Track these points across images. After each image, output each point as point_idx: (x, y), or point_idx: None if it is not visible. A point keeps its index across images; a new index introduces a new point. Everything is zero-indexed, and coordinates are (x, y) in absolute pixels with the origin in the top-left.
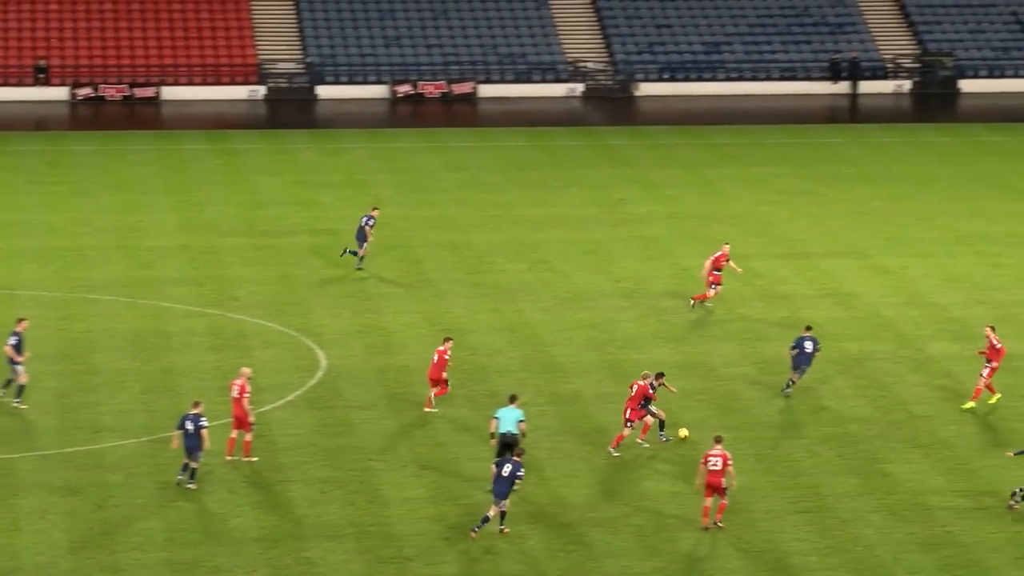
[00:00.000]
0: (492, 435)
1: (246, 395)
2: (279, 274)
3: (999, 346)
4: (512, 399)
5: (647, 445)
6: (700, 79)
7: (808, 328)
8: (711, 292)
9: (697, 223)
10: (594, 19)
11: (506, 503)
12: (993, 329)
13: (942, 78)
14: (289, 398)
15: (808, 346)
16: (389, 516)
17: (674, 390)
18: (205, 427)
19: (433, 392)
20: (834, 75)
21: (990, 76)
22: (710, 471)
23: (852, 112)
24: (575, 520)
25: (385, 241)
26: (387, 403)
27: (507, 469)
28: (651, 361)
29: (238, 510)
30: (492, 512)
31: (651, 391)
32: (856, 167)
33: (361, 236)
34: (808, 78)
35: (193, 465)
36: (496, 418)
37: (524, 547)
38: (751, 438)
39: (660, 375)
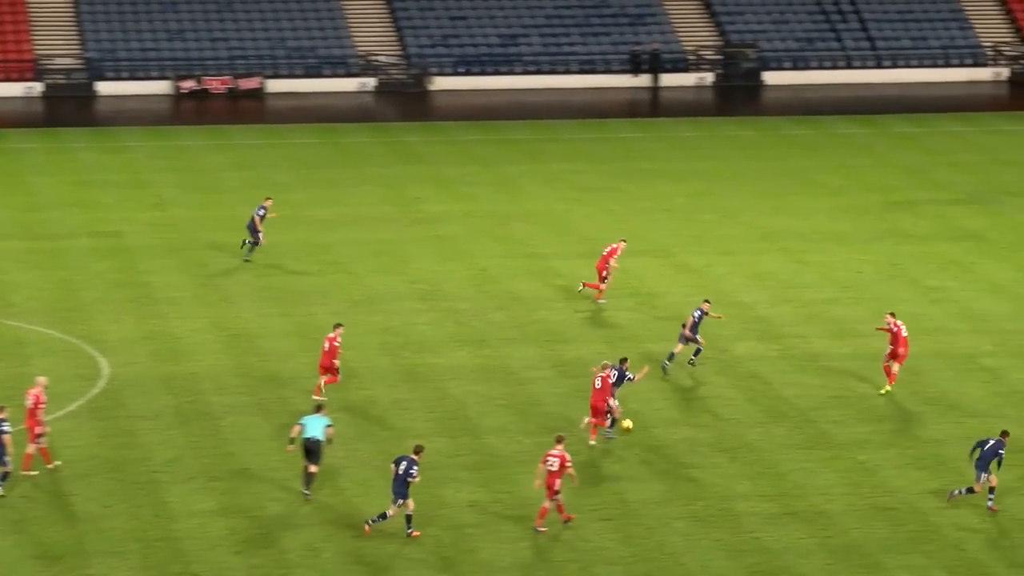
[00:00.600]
0: (292, 440)
1: (41, 406)
2: (58, 279)
3: (901, 333)
4: (318, 409)
5: (612, 437)
6: (496, 72)
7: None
8: (603, 285)
9: (495, 222)
10: (386, 11)
11: (407, 503)
12: (893, 315)
13: (745, 70)
14: (70, 408)
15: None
16: (176, 530)
17: (635, 377)
18: (7, 432)
19: (323, 380)
20: (635, 68)
21: (794, 68)
22: (548, 471)
23: (653, 106)
24: (372, 531)
25: (169, 244)
26: (173, 412)
27: (402, 467)
28: (449, 366)
29: (15, 527)
30: (391, 511)
31: (611, 381)
32: (658, 163)
33: (252, 227)
34: (608, 71)
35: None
36: (300, 424)
37: (318, 561)
38: (550, 444)
39: (623, 360)
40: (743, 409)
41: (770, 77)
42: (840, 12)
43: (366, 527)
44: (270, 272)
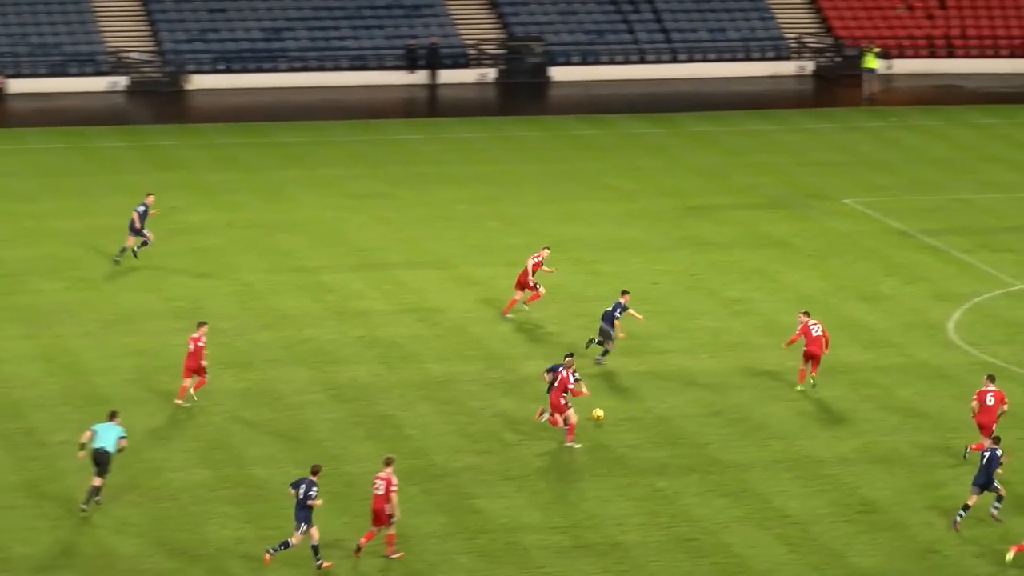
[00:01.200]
0: (82, 447)
1: None
2: None
3: (812, 332)
4: (112, 415)
5: (579, 446)
6: (260, 70)
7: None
8: (540, 291)
9: (260, 232)
10: (138, 4)
11: (311, 530)
12: (807, 315)
13: (530, 66)
14: None
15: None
16: None
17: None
18: None
19: (190, 384)
20: (411, 64)
21: (583, 63)
22: (374, 495)
23: (431, 105)
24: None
25: None
26: None
27: (301, 490)
28: (210, 390)
29: None
30: (294, 539)
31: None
32: (437, 167)
33: (132, 227)
34: (382, 67)
35: None
36: (92, 431)
37: None
38: (325, 474)
39: (569, 355)
40: (531, 433)
41: (557, 73)
42: (632, 2)
43: (266, 556)
44: (11, 289)
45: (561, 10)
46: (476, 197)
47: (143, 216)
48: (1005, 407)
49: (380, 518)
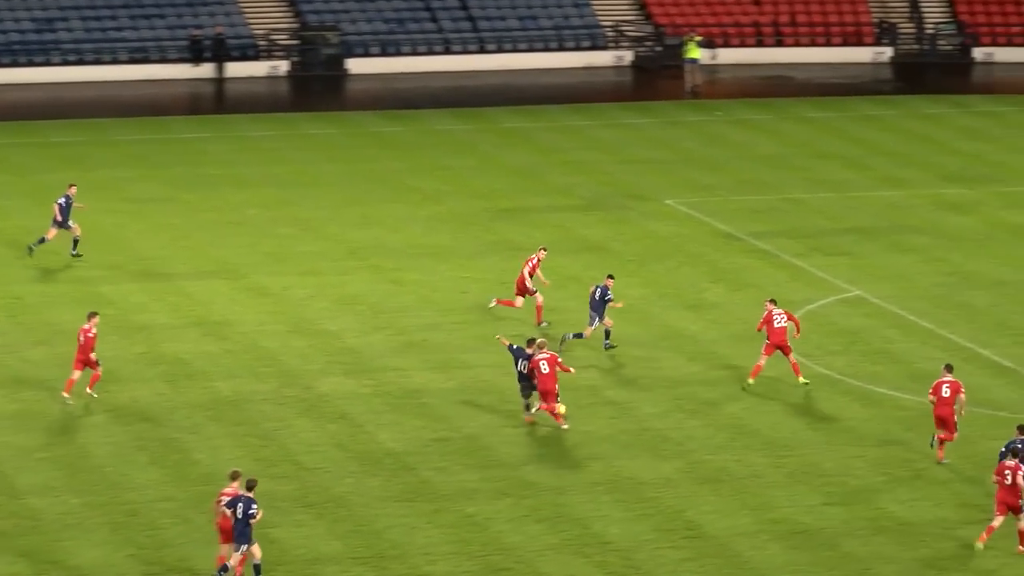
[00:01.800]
0: None
1: None
2: None
3: (774, 324)
4: None
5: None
6: (30, 64)
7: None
8: (518, 302)
9: (31, 240)
10: None
11: (253, 550)
12: (773, 302)
13: (325, 57)
14: None
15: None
16: None
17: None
18: None
19: (76, 376)
20: (195, 56)
21: (383, 54)
22: (221, 513)
23: (218, 100)
24: None
25: None
26: None
27: (240, 509)
28: None
29: None
30: (233, 561)
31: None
32: (225, 168)
33: (56, 220)
34: (164, 60)
35: None
36: None
37: None
38: (104, 503)
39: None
40: (330, 456)
41: (355, 65)
42: None
43: None
44: None
45: None
46: (268, 200)
47: (65, 208)
48: (962, 397)
49: (227, 536)
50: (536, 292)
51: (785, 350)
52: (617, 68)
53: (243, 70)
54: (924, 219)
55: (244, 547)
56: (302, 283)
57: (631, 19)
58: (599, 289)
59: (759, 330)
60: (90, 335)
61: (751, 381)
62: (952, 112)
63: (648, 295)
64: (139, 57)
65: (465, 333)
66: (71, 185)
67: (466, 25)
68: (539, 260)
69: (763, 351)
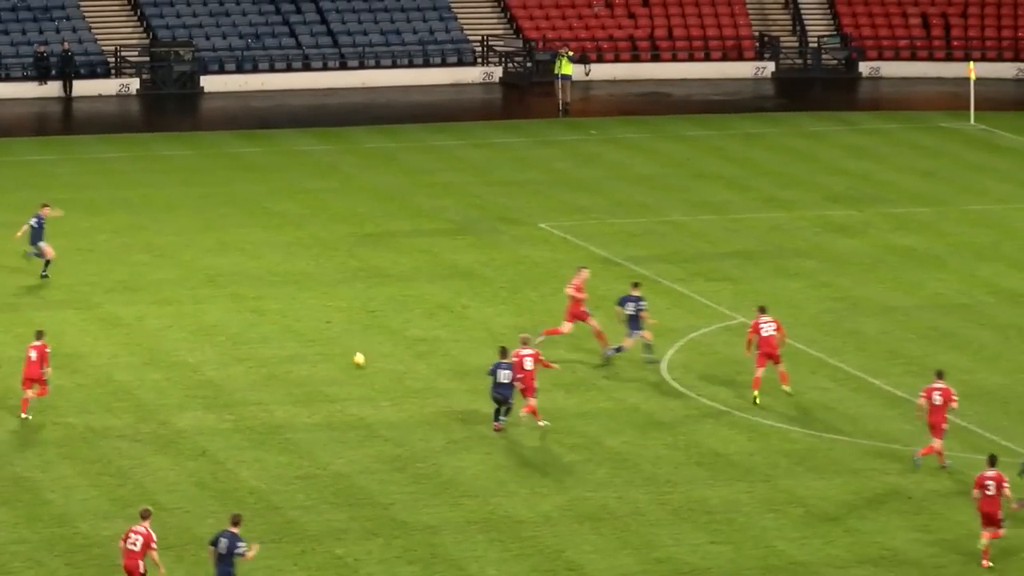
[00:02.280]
0: None
1: None
2: None
3: (762, 333)
4: None
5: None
6: None
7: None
8: (565, 327)
9: None
10: None
11: None
12: (762, 311)
13: (179, 74)
14: None
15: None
16: None
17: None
18: None
19: (31, 394)
20: (41, 73)
21: (239, 70)
22: (127, 550)
23: (66, 120)
24: None
25: None
26: None
27: (223, 544)
28: None
29: None
30: None
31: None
32: (72, 191)
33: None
34: (7, 78)
35: None
36: None
37: None
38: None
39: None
40: (190, 495)
41: (209, 82)
42: (294, 1)
43: None
44: None
45: (213, 11)
46: (119, 226)
47: (36, 229)
48: (955, 405)
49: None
50: (590, 317)
51: (775, 359)
52: (486, 85)
53: (92, 88)
54: (810, 242)
55: None
56: (157, 312)
57: (500, 33)
58: (630, 302)
59: (749, 341)
60: (46, 351)
61: (756, 393)
62: (837, 129)
63: (521, 324)
64: None
65: (330, 364)
66: (44, 205)
67: (326, 40)
68: (583, 280)
69: (756, 362)
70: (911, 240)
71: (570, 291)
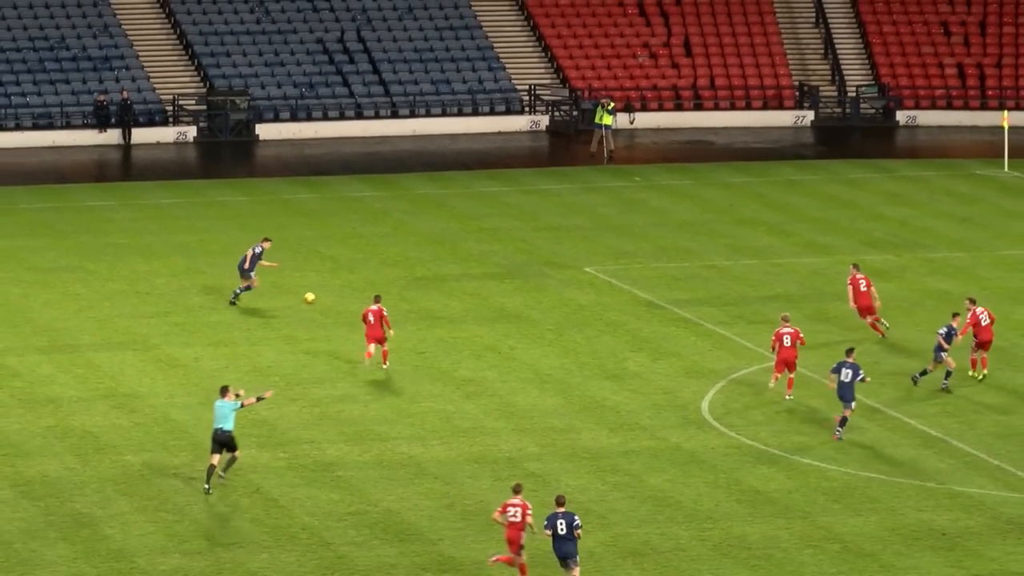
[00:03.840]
0: None
1: None
2: None
3: (787, 344)
4: (223, 391)
5: None
6: None
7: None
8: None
9: None
10: None
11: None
12: (786, 320)
13: (235, 122)
14: None
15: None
16: None
17: None
18: None
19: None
20: (101, 122)
21: (293, 119)
22: (510, 522)
23: (125, 167)
24: None
25: None
26: None
27: (562, 524)
28: None
29: None
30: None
31: None
32: (132, 236)
33: (242, 268)
34: (68, 126)
35: None
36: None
37: None
38: None
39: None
40: (244, 531)
41: (265, 130)
42: (347, 51)
43: None
44: None
45: (268, 60)
46: (176, 269)
47: (255, 259)
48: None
49: (515, 545)
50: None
51: (791, 367)
52: (533, 133)
53: (150, 136)
54: (847, 287)
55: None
56: (213, 354)
57: (547, 83)
58: (944, 330)
59: (772, 349)
60: None
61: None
62: (875, 176)
63: (567, 365)
64: (43, 123)
65: (380, 404)
66: (266, 239)
67: (378, 89)
68: (865, 279)
69: (774, 368)
70: (947, 284)
71: (856, 287)
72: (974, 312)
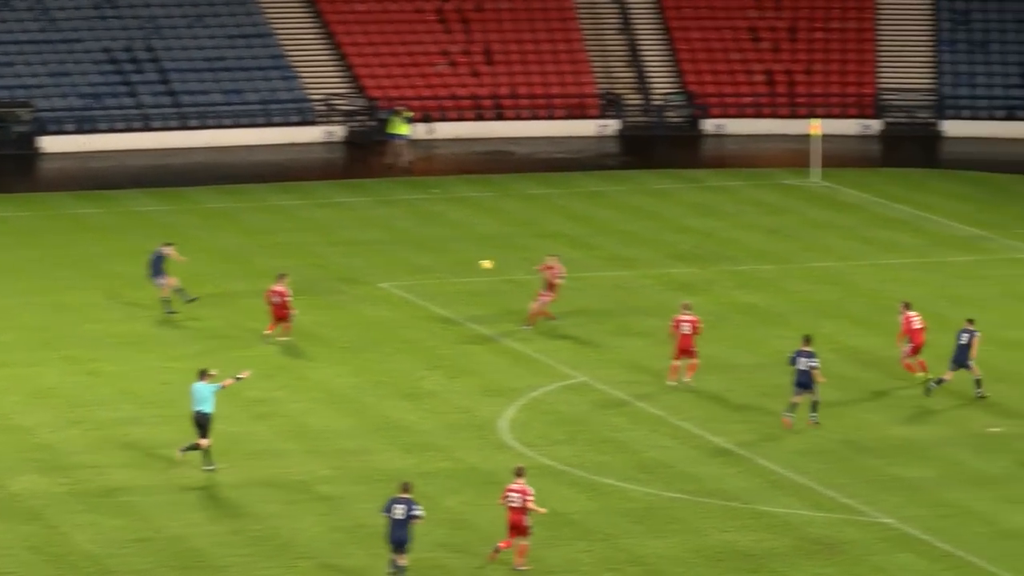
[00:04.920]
0: None
1: None
2: None
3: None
4: (202, 374)
5: None
6: None
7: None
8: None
9: None
10: None
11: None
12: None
13: (16, 135)
14: None
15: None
16: None
17: None
18: None
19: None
20: None
21: (79, 131)
22: (510, 508)
23: None
24: None
25: None
26: None
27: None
28: None
29: None
30: None
31: None
32: None
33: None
34: None
35: None
36: None
37: None
38: None
39: None
40: (23, 560)
41: (48, 143)
42: (134, 60)
43: None
44: None
45: (52, 70)
46: None
47: (158, 262)
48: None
49: (519, 529)
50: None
51: (689, 353)
52: (328, 144)
53: None
54: (653, 300)
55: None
56: None
57: (343, 93)
58: (965, 335)
59: (671, 335)
60: None
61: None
62: (681, 187)
63: (361, 384)
64: None
65: (167, 426)
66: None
67: (167, 100)
68: (912, 318)
69: (672, 358)
70: (754, 298)
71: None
72: (907, 317)
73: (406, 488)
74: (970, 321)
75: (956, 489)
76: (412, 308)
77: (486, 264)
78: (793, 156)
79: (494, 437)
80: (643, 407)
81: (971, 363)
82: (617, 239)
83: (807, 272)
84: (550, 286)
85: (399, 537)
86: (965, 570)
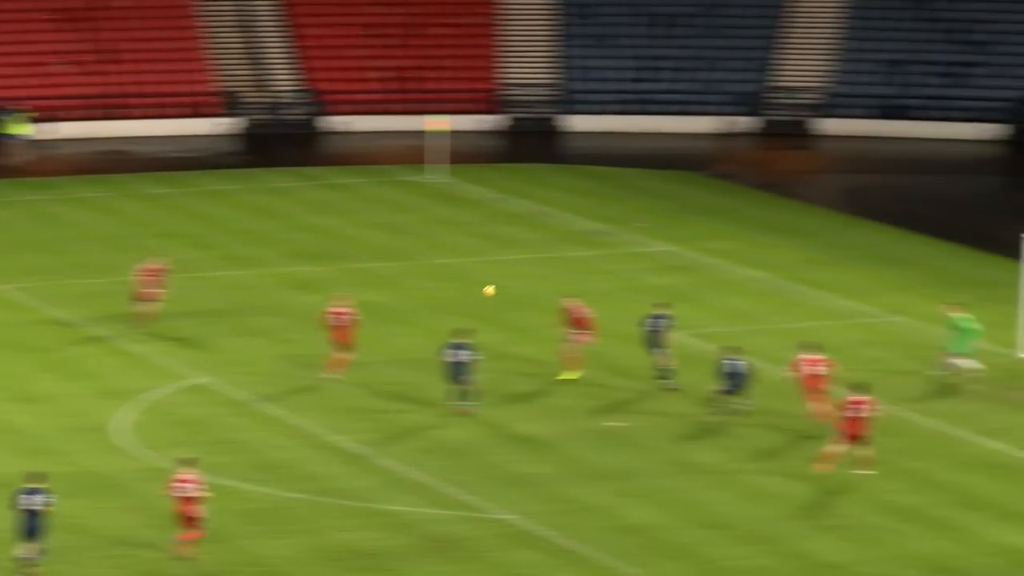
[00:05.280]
0: None
1: None
2: None
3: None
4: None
5: None
6: None
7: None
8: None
9: None
10: None
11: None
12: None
13: None
14: None
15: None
16: None
17: None
18: None
19: None
20: None
21: None
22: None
23: None
24: None
25: None
26: None
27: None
28: None
29: None
30: None
31: None
32: None
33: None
34: None
35: None
36: None
37: None
38: None
39: None
40: None
41: None
42: None
43: None
44: None
45: None
46: None
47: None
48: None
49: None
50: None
51: (345, 347)
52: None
53: None
54: (272, 299)
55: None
56: None
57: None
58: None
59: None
60: None
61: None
62: (302, 185)
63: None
64: None
65: None
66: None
67: None
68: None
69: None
70: (375, 295)
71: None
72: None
73: (39, 478)
74: (658, 307)
75: (576, 484)
76: (25, 310)
77: (489, 291)
78: (415, 153)
79: (107, 440)
80: (263, 407)
81: (662, 351)
82: (237, 238)
83: (427, 269)
84: (147, 295)
85: (31, 526)
86: (585, 565)
